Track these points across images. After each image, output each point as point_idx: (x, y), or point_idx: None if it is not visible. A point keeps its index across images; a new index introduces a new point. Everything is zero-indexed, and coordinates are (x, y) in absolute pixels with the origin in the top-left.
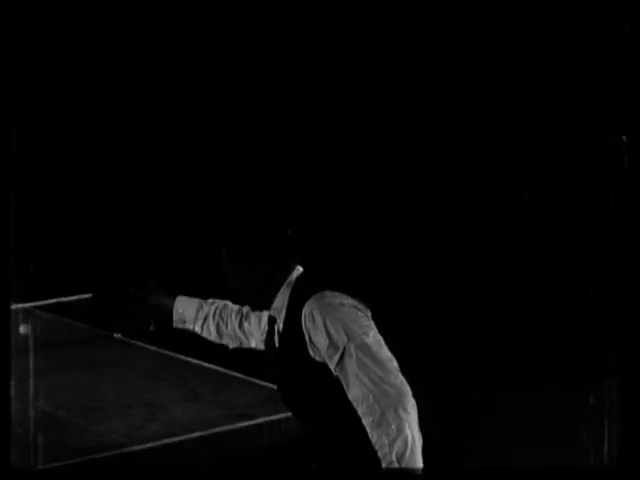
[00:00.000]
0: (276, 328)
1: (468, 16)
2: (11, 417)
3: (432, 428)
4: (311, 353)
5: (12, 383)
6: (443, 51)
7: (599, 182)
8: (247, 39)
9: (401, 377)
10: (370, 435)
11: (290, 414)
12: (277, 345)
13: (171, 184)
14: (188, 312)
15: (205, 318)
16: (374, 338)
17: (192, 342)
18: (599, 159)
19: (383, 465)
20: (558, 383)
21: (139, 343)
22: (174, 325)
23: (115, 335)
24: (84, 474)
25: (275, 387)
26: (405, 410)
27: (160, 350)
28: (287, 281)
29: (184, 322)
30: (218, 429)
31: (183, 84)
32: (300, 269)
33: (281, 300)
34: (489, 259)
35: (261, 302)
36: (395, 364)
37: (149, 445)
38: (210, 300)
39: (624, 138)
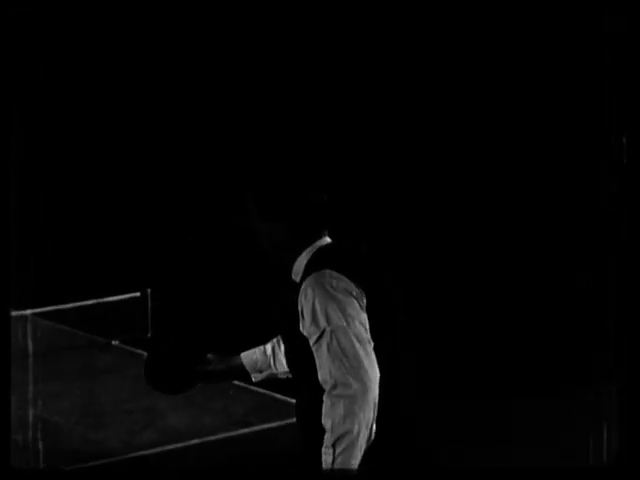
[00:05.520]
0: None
1: (469, 16)
2: (11, 418)
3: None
4: (300, 327)
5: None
6: (443, 52)
7: (599, 183)
8: (236, 42)
9: (372, 375)
10: (322, 419)
11: (286, 422)
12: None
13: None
14: (261, 359)
15: (274, 355)
16: (356, 328)
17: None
18: (599, 166)
19: (323, 449)
20: (558, 387)
21: (136, 350)
22: (254, 380)
23: (112, 342)
24: None
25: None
26: (361, 408)
27: None
28: (310, 247)
29: (261, 371)
30: (215, 436)
31: (182, 79)
32: (328, 240)
33: (299, 265)
34: (486, 265)
35: (280, 262)
36: (370, 359)
37: (146, 452)
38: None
39: (624, 139)
